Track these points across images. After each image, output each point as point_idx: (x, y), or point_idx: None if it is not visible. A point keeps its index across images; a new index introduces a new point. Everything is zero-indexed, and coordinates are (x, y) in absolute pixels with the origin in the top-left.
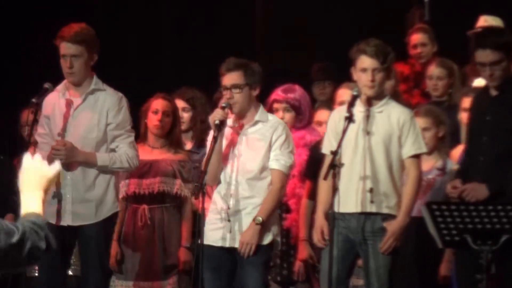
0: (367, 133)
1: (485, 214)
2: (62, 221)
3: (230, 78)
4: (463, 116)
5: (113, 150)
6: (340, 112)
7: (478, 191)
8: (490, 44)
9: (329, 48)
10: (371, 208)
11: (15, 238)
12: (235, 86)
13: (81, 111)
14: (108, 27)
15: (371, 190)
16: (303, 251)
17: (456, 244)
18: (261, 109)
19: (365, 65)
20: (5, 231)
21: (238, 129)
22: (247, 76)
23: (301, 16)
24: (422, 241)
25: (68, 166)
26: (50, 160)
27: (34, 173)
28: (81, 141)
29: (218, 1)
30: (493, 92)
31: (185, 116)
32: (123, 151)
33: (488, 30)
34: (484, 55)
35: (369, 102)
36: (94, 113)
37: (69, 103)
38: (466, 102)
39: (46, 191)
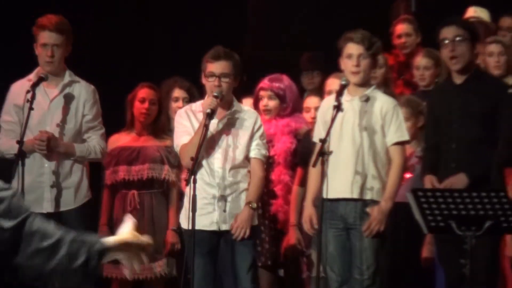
0: (349, 122)
1: (469, 200)
2: (44, 209)
3: (219, 66)
4: None
5: (84, 141)
6: (329, 101)
7: (457, 183)
8: (455, 22)
9: (318, 39)
10: (356, 194)
11: (51, 241)
12: (224, 75)
13: (58, 102)
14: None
15: (356, 177)
16: (293, 236)
17: (441, 229)
18: (235, 99)
19: (351, 51)
20: (43, 234)
21: (218, 118)
22: (234, 66)
23: (291, 11)
24: (410, 226)
25: (48, 156)
26: (31, 151)
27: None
28: (58, 131)
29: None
30: (458, 81)
31: (184, 105)
32: (96, 141)
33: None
34: (448, 31)
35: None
36: (71, 104)
37: (45, 93)
38: None
39: None
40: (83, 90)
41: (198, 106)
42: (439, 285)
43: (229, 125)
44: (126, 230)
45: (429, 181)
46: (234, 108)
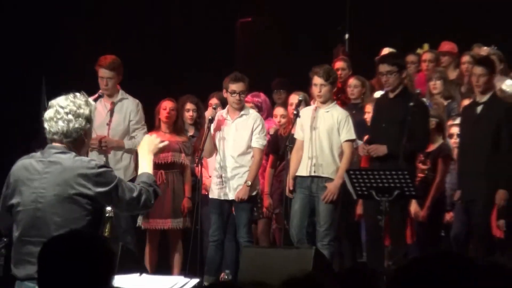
0: (317, 126)
1: (384, 176)
2: None
3: (239, 86)
4: (367, 116)
5: (132, 137)
6: (304, 111)
7: (379, 149)
8: (387, 61)
9: (287, 68)
10: (318, 173)
11: (135, 194)
12: (242, 92)
13: (115, 113)
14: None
15: (319, 161)
16: (266, 201)
17: (365, 196)
18: (245, 105)
19: (315, 81)
20: (129, 189)
21: (230, 120)
22: (247, 85)
23: (270, 47)
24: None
25: (105, 150)
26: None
27: (148, 143)
28: (112, 132)
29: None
30: (391, 95)
31: (193, 114)
32: (140, 138)
33: (387, 54)
34: (382, 67)
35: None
36: (121, 114)
37: (108, 106)
38: (369, 107)
39: (156, 154)
40: (130, 104)
41: (223, 113)
42: (363, 232)
43: (236, 124)
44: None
45: (361, 147)
46: (242, 112)
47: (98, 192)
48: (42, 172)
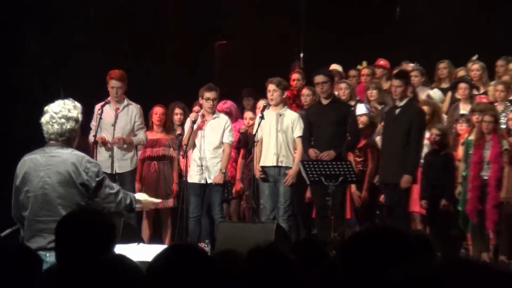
0: (277, 125)
1: (331, 166)
2: (113, 170)
3: (212, 94)
4: None
5: (136, 135)
6: (267, 114)
7: (330, 154)
8: (321, 72)
9: (254, 80)
10: (279, 162)
11: (114, 191)
12: (215, 99)
13: (120, 115)
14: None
15: (278, 154)
16: (238, 185)
17: (316, 182)
18: (216, 110)
19: (269, 88)
20: (110, 187)
21: (205, 121)
22: (218, 94)
23: (241, 63)
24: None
25: (111, 145)
26: (103, 142)
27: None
28: (120, 131)
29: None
30: (324, 102)
31: (180, 117)
32: (142, 135)
33: (322, 68)
34: (318, 78)
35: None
36: (127, 117)
37: (114, 110)
38: None
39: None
40: (134, 108)
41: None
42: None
43: (211, 124)
44: (142, 196)
45: (313, 152)
46: (215, 115)
47: (86, 180)
48: (46, 165)
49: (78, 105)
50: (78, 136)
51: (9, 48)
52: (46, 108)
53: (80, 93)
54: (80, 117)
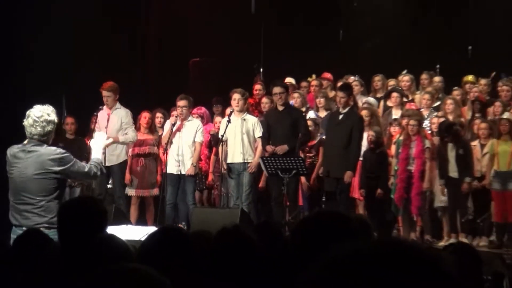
0: (241, 128)
1: (285, 161)
2: (106, 163)
3: (182, 103)
4: None
5: (125, 133)
6: (232, 119)
7: (283, 147)
8: (278, 84)
9: (223, 91)
10: (245, 159)
11: (86, 169)
12: (185, 106)
13: (111, 117)
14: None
15: (243, 152)
16: (210, 177)
17: (273, 174)
18: (190, 115)
19: (234, 97)
20: (82, 166)
21: (182, 124)
22: (190, 102)
23: (212, 77)
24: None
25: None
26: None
27: (102, 140)
28: (110, 131)
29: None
30: (280, 108)
31: (161, 120)
32: (131, 133)
33: (279, 80)
34: (275, 89)
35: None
36: (118, 119)
37: (107, 114)
38: None
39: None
40: (123, 111)
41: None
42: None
43: (186, 127)
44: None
45: (269, 147)
46: (189, 119)
47: (61, 169)
48: (24, 158)
49: (53, 109)
50: (53, 135)
51: (8, 49)
52: (28, 112)
53: (80, 101)
54: (56, 119)
